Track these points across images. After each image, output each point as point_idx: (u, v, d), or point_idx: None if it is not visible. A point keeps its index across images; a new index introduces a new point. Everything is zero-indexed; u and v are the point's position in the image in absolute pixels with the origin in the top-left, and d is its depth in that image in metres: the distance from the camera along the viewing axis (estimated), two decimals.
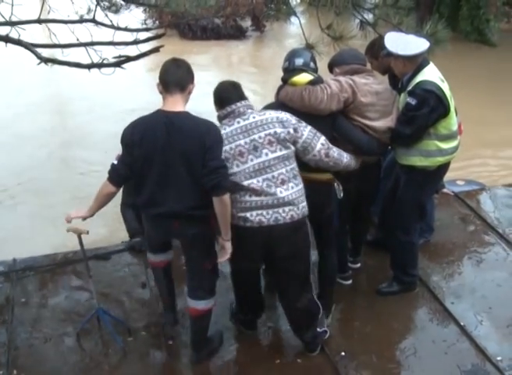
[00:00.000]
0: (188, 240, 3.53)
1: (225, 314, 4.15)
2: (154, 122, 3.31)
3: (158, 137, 3.26)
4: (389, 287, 4.46)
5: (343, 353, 3.88)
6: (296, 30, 4.66)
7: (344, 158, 3.73)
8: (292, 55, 3.89)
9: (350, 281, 4.53)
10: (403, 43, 3.89)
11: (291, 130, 3.47)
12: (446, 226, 5.36)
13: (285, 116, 3.51)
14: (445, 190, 5.82)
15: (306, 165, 3.68)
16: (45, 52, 3.96)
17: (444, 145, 4.03)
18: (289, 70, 3.82)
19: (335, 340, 4.00)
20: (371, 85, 3.90)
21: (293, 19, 4.96)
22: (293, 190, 3.46)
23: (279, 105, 3.80)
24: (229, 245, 3.42)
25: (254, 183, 3.40)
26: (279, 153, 3.43)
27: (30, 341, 3.97)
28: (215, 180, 3.21)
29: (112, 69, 3.99)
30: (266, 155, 3.41)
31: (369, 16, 4.15)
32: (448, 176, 4.58)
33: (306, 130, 3.53)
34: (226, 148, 3.39)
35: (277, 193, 3.41)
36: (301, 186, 3.53)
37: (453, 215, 5.57)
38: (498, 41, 14.78)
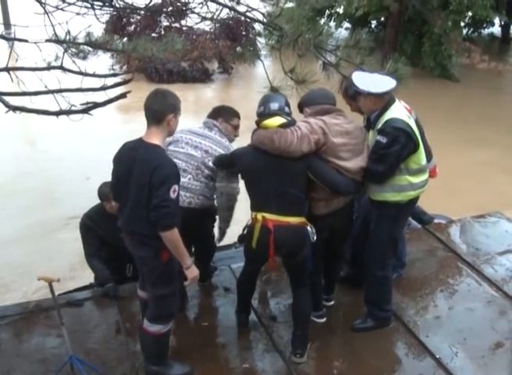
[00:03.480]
0: (137, 261, 3.78)
1: None
2: (129, 148, 3.59)
3: (125, 162, 3.56)
4: (364, 324, 4.46)
5: None
6: (262, 72, 4.73)
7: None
8: (266, 100, 3.98)
9: (324, 319, 4.52)
10: (372, 81, 3.97)
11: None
12: (418, 259, 5.41)
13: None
14: (436, 221, 5.99)
15: (279, 208, 3.82)
16: (13, 100, 3.96)
17: (415, 180, 4.11)
18: (264, 115, 3.90)
19: None
20: (341, 125, 3.97)
21: (260, 61, 5.06)
22: (199, 183, 4.27)
23: (252, 147, 3.91)
24: (190, 271, 3.61)
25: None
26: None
27: None
28: (153, 217, 3.40)
29: (80, 115, 4.01)
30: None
31: (331, 58, 4.23)
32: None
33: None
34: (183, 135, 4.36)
35: (186, 179, 4.20)
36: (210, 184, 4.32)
37: (423, 248, 5.62)
38: (460, 76, 15.19)
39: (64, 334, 3.86)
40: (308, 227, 3.92)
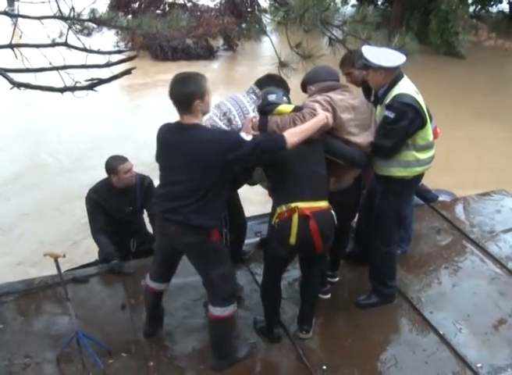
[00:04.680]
0: (185, 249, 3.66)
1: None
2: (172, 129, 3.48)
3: (168, 146, 3.48)
4: (368, 300, 4.49)
5: (324, 367, 3.87)
6: (267, 49, 4.71)
7: None
8: (265, 93, 3.98)
9: (328, 295, 4.55)
10: (383, 55, 3.94)
11: None
12: (422, 236, 5.42)
13: None
14: (441, 198, 6.00)
15: (312, 193, 3.71)
16: (18, 77, 3.95)
17: (422, 156, 4.10)
18: (265, 105, 3.90)
19: (316, 354, 4.01)
20: (347, 101, 3.94)
21: (265, 38, 5.03)
22: None
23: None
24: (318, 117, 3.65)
25: None
26: None
27: (10, 368, 3.91)
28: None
29: (85, 92, 4.00)
30: None
31: (338, 33, 4.21)
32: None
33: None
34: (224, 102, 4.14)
35: None
36: None
37: (428, 225, 5.63)
38: (466, 54, 15.08)
39: (70, 310, 3.87)
40: (332, 211, 3.80)
